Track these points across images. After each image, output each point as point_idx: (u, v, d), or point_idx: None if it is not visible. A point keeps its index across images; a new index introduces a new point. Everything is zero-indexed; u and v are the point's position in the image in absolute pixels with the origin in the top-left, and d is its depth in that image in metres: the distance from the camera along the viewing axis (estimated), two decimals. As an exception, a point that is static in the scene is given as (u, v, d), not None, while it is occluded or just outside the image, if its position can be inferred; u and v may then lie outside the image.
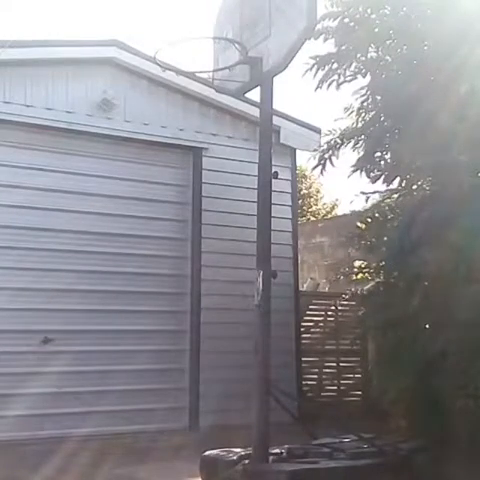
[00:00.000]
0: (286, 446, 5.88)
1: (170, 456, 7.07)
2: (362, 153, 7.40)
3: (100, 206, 8.52)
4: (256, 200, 6.14)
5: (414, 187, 7.23)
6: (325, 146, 7.60)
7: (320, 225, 15.86)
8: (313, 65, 7.14)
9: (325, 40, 7.18)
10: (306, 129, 9.73)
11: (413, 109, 6.30)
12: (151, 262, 8.77)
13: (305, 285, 12.38)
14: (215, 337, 8.72)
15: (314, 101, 28.89)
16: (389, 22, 6.93)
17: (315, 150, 7.93)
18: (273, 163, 6.11)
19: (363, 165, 7.33)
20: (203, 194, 9.13)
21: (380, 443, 6.04)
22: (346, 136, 7.48)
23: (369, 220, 7.67)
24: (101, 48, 8.69)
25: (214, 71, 6.87)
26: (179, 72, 7.99)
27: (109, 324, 8.38)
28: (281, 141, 9.40)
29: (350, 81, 7.26)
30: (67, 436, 7.37)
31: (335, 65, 7.16)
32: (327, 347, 10.72)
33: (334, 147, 7.51)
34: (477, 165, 6.21)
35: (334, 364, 10.75)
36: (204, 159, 9.23)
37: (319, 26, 6.93)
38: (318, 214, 23.18)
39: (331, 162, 7.54)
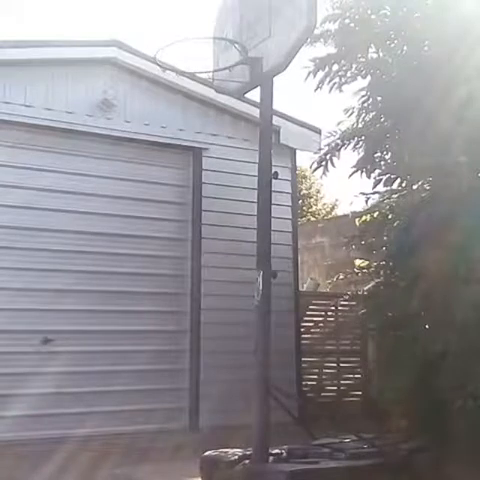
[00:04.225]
0: (286, 446, 5.89)
1: (170, 456, 7.06)
2: (362, 153, 7.40)
3: (100, 206, 8.51)
4: (256, 200, 6.15)
5: (414, 187, 7.23)
6: (326, 148, 7.60)
7: (320, 225, 15.85)
8: (314, 69, 7.13)
9: (325, 43, 7.18)
10: (306, 129, 9.73)
11: (413, 110, 6.30)
12: (151, 262, 8.76)
13: (305, 285, 12.38)
14: (215, 337, 8.71)
15: (314, 101, 28.87)
16: (389, 23, 6.93)
17: (316, 153, 7.92)
18: (273, 163, 6.11)
19: (363, 165, 7.33)
20: (203, 194, 9.12)
21: (380, 443, 6.04)
22: (346, 137, 7.48)
23: (369, 220, 7.67)
24: (101, 48, 8.68)
25: (214, 71, 6.87)
26: (179, 72, 7.95)
27: (109, 324, 8.38)
28: (281, 141, 9.38)
29: (350, 83, 7.27)
30: (67, 436, 7.36)
31: (335, 66, 7.16)
32: (327, 347, 10.72)
33: (335, 148, 7.51)
34: (477, 166, 6.22)
35: (334, 364, 10.75)
36: (204, 159, 9.22)
37: (319, 29, 6.93)
38: (318, 214, 23.21)
39: (332, 163, 7.54)
